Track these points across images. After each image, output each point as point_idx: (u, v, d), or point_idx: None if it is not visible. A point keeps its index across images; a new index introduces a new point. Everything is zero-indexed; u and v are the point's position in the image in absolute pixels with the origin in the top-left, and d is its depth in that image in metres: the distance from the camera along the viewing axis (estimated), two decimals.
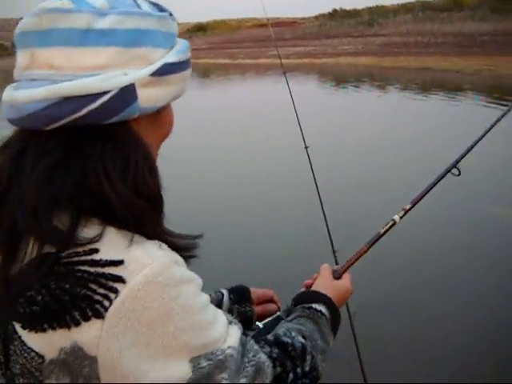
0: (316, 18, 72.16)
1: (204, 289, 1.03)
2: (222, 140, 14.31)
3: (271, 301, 1.67)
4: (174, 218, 1.13)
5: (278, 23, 79.95)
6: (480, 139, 2.26)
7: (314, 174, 3.25)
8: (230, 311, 1.52)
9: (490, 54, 32.83)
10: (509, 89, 22.48)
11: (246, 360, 1.03)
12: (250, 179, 10.85)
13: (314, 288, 1.47)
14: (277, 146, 12.88)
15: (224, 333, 1.00)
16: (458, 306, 5.59)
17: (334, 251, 2.84)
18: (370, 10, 64.03)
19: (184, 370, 0.93)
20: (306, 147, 3.41)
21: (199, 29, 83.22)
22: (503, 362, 4.66)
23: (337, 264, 2.21)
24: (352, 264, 1.75)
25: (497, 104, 17.91)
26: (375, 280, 6.00)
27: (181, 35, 1.10)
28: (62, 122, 0.93)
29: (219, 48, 58.02)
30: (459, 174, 2.11)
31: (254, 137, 14.57)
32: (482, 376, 4.44)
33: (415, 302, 5.76)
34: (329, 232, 2.95)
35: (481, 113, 16.39)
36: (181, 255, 1.01)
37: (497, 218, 7.98)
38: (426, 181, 2.04)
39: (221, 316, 1.04)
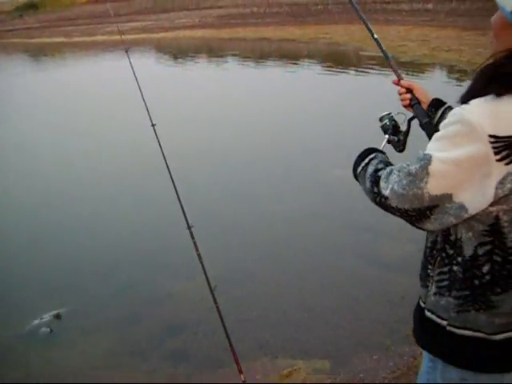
0: None
1: None
2: (65, 123, 13.48)
3: None
4: None
5: None
6: None
7: (163, 152, 3.34)
8: None
9: (324, 23, 33.32)
10: (343, 55, 22.94)
11: None
12: (100, 159, 10.43)
13: None
14: (124, 125, 12.40)
15: None
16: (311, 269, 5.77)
17: (189, 227, 3.04)
18: None
19: None
20: (153, 125, 3.46)
21: (30, 6, 78.55)
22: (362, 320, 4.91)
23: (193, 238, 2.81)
24: None
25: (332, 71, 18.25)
26: (233, 252, 6.22)
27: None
28: None
29: (53, 26, 55.00)
30: None
31: (98, 116, 13.97)
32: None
33: (271, 269, 5.87)
34: (182, 209, 3.11)
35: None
36: None
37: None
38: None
39: None
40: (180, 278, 5.75)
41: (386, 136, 2.27)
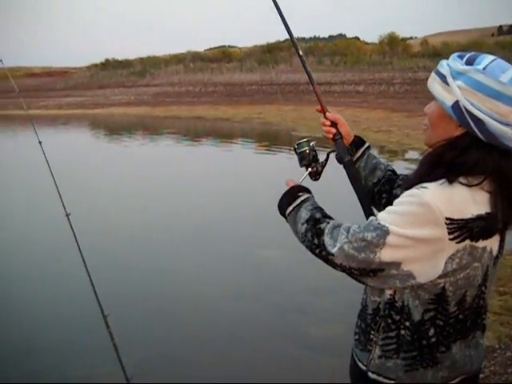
0: (88, 68, 70.61)
1: None
2: None
3: None
4: None
5: (50, 73, 77.39)
6: None
7: (77, 242, 3.22)
8: None
9: (257, 103, 34.02)
10: (275, 135, 23.30)
11: None
12: (7, 250, 9.56)
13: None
14: (37, 214, 11.64)
15: None
16: None
17: (104, 316, 2.95)
18: (141, 60, 64.09)
19: None
20: (68, 214, 3.31)
21: None
22: None
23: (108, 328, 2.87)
24: None
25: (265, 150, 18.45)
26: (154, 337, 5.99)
27: None
28: None
29: None
30: None
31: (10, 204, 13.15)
32: None
33: (193, 352, 5.69)
34: (97, 297, 3.01)
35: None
36: None
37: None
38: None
39: None
40: (95, 367, 5.51)
41: (309, 169, 2.35)
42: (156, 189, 13.94)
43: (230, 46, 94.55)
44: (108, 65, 66.18)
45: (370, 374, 1.98)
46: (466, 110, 1.73)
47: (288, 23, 2.43)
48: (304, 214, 2.03)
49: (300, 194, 2.13)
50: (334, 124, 2.41)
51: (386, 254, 1.74)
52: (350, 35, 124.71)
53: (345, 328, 5.98)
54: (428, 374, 1.89)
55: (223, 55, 60.55)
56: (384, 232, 1.74)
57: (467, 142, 1.77)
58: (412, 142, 17.78)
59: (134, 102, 41.92)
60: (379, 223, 1.77)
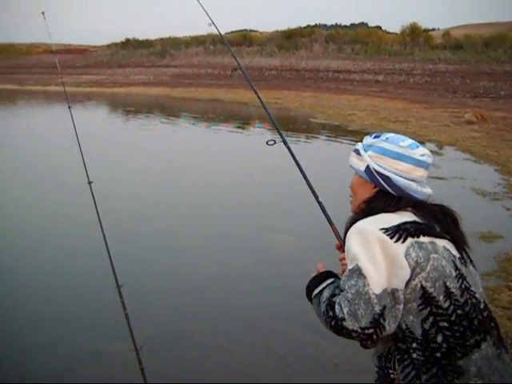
0: (108, 46, 70.78)
1: None
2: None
3: None
4: None
5: (70, 50, 77.55)
6: None
7: (97, 209, 3.32)
8: None
9: (276, 88, 33.94)
10: (293, 121, 23.26)
11: None
12: (34, 214, 9.95)
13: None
14: (61, 181, 12.07)
15: None
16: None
17: (118, 286, 3.00)
18: (162, 40, 64.13)
19: None
20: (90, 182, 3.48)
21: None
22: None
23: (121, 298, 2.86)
24: None
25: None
26: (164, 314, 6.08)
27: None
28: None
29: (7, 73, 54.60)
30: None
31: (37, 171, 13.56)
32: None
33: (201, 331, 5.58)
34: (113, 267, 3.07)
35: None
36: None
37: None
38: None
39: None
40: (107, 338, 5.59)
41: None
42: (175, 167, 14.08)
43: (251, 30, 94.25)
44: (128, 44, 66.31)
45: None
46: (376, 170, 2.16)
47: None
48: (326, 293, 2.15)
49: (328, 279, 2.25)
50: None
51: (373, 286, 1.92)
52: (371, 24, 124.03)
53: None
54: None
55: (244, 39, 60.39)
56: (357, 270, 1.97)
57: (378, 196, 2.17)
58: (429, 133, 17.70)
59: (152, 82, 41.95)
60: (349, 270, 2.01)
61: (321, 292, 2.19)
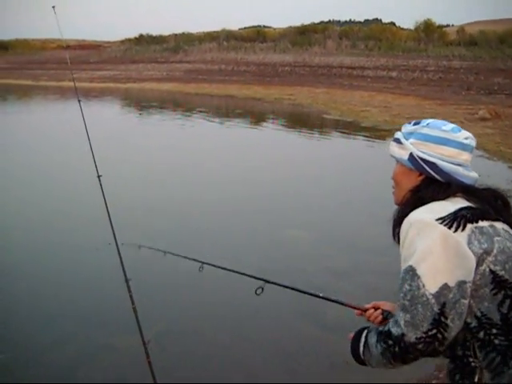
0: (122, 42, 70.96)
1: None
2: (9, 169, 13.20)
3: None
4: None
5: (84, 46, 77.84)
6: None
7: (106, 202, 3.36)
8: None
9: (289, 84, 33.91)
10: (306, 117, 23.26)
11: None
12: (41, 207, 10.16)
13: None
14: (70, 175, 12.23)
15: None
16: None
17: (126, 280, 3.05)
18: (175, 36, 64.18)
19: None
20: (99, 176, 3.48)
21: (0, 47, 78.60)
22: None
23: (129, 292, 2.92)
24: None
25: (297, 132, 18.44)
26: (173, 309, 6.11)
27: None
28: None
29: (21, 68, 54.98)
30: None
31: (47, 165, 13.73)
32: None
33: (210, 327, 5.71)
34: (121, 261, 3.10)
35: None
36: None
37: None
38: None
39: None
40: (116, 332, 5.62)
41: None
42: (189, 160, 14.13)
43: (264, 26, 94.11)
44: (142, 40, 66.40)
45: None
46: (420, 158, 2.09)
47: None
48: (372, 337, 2.07)
49: (362, 333, 2.16)
50: (375, 308, 2.41)
51: (428, 284, 1.83)
52: (385, 20, 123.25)
53: None
54: None
55: (257, 35, 60.37)
56: (410, 271, 1.88)
57: (425, 184, 2.10)
58: None
59: (166, 78, 42.03)
60: (403, 269, 1.92)
61: (366, 342, 2.10)
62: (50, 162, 14.03)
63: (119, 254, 2.96)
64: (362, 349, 2.13)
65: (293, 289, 2.66)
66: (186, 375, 4.91)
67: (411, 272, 1.86)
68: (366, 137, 17.31)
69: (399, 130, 2.29)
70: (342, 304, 2.52)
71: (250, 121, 22.43)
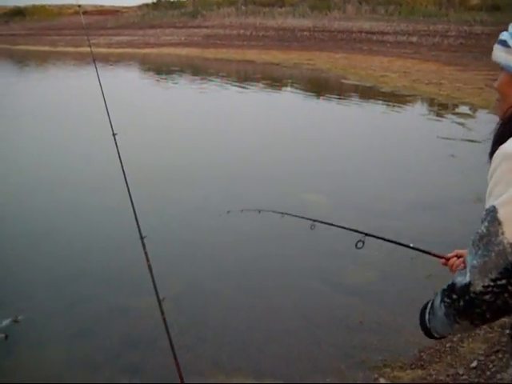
0: (139, 7, 70.61)
1: None
2: (29, 129, 13.41)
3: None
4: None
5: (102, 11, 77.53)
6: None
7: (121, 161, 3.37)
8: None
9: (308, 49, 33.59)
10: (325, 82, 23.12)
11: None
12: (58, 164, 10.47)
13: None
14: (87, 133, 12.52)
15: None
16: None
17: (141, 237, 3.06)
18: (194, 1, 63.69)
19: None
20: (114, 134, 3.50)
21: (17, 13, 78.42)
22: None
23: (144, 248, 2.94)
24: None
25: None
26: (193, 269, 6.18)
27: None
28: None
29: (39, 34, 54.93)
30: None
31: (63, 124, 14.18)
32: None
33: (230, 288, 5.83)
34: (136, 219, 3.13)
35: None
36: None
37: None
38: None
39: None
40: (133, 290, 5.67)
41: None
42: (206, 125, 14.13)
43: None
44: (159, 5, 65.98)
45: None
46: None
47: None
48: (437, 300, 1.76)
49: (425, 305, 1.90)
50: (458, 256, 2.23)
51: (510, 232, 1.53)
52: None
53: (377, 275, 6.05)
54: None
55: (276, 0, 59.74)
56: (492, 213, 1.57)
57: None
58: (463, 96, 17.39)
59: (184, 43, 41.77)
60: (485, 209, 1.61)
61: (432, 307, 1.80)
62: (68, 124, 14.14)
63: (134, 211, 2.97)
64: (427, 316, 1.85)
65: (389, 241, 2.59)
66: (208, 337, 4.95)
67: (492, 214, 1.57)
68: (385, 101, 17.17)
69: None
70: (427, 253, 2.39)
71: (269, 85, 22.31)
